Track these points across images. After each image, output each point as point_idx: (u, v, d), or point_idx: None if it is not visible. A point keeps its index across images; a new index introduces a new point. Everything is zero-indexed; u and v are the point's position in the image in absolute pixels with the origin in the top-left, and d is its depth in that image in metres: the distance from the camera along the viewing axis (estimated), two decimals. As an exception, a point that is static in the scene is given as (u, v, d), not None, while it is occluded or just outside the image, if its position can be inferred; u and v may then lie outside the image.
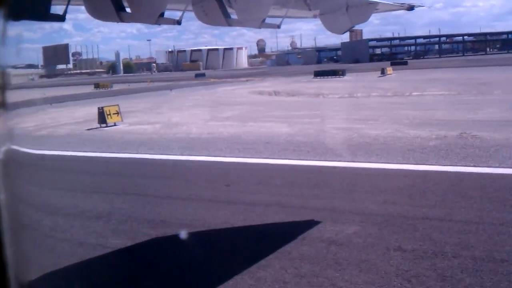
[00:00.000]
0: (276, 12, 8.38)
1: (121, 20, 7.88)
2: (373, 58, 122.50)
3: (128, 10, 7.94)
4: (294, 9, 8.50)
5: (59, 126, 20.99)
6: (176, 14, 8.14)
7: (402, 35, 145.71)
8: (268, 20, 8.21)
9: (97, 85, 58.33)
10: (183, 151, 13.23)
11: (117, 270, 5.65)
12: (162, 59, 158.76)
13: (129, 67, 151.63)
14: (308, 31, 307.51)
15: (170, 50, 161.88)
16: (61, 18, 6.85)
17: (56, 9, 6.75)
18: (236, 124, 18.12)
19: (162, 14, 7.92)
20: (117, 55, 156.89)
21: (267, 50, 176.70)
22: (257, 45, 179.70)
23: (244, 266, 5.27)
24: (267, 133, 15.27)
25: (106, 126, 19.21)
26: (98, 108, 19.59)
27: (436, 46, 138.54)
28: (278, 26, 8.49)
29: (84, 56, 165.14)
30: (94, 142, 15.72)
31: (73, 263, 5.76)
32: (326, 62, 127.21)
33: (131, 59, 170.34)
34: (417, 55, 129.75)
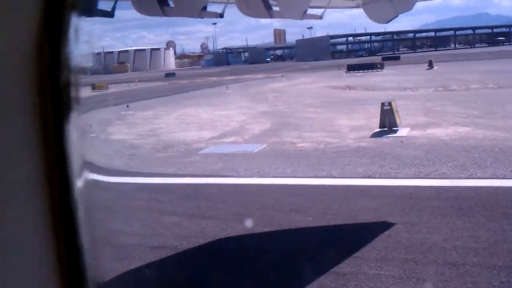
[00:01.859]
0: (318, 3, 8.32)
1: (165, 14, 8.16)
2: (334, 55, 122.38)
3: (171, 4, 8.15)
4: (337, -1, 8.45)
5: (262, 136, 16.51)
6: (218, 8, 8.34)
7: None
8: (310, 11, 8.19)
9: (93, 86, 47.31)
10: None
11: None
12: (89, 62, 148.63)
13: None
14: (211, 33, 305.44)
15: (97, 52, 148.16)
16: (109, 14, 7.08)
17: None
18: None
19: (204, 8, 8.12)
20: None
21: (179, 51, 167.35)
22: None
23: None
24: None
25: (391, 133, 14.75)
26: (383, 103, 15.46)
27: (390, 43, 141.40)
28: (321, 17, 8.42)
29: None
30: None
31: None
32: (273, 60, 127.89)
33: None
34: (372, 52, 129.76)
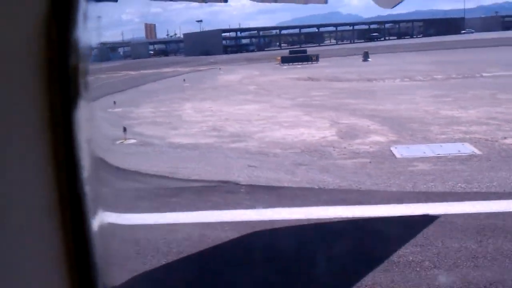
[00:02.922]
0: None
1: None
2: (226, 49, 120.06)
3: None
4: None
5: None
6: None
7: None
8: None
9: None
10: None
11: None
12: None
13: None
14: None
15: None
16: None
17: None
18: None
19: None
20: None
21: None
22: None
23: None
24: None
25: None
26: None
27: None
28: (326, 1, 8.12)
29: None
30: None
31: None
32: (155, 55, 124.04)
33: None
34: (260, 47, 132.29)
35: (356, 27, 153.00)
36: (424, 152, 10.09)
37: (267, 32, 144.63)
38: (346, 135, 12.86)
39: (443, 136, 11.85)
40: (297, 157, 10.78)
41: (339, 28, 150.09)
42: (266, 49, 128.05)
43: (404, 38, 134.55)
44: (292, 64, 51.69)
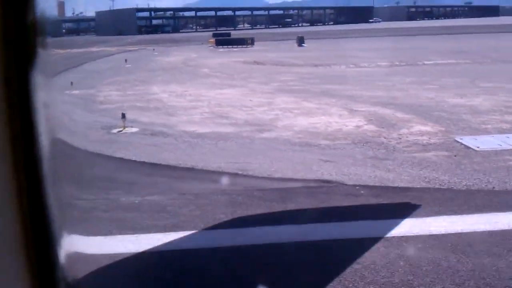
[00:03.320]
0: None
1: None
2: (141, 30, 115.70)
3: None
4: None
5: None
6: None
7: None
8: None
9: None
10: None
11: None
12: None
13: None
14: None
15: None
16: None
17: None
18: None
19: None
20: None
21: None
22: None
23: None
24: None
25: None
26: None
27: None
28: None
29: None
30: None
31: None
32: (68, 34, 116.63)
33: None
34: (176, 29, 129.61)
35: (271, 12, 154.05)
36: (500, 145, 9.51)
37: (182, 14, 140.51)
38: (382, 125, 11.97)
39: (489, 126, 11.43)
40: (359, 149, 9.69)
41: (255, 13, 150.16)
42: (181, 31, 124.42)
43: (317, 25, 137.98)
44: (227, 47, 50.06)
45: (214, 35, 73.08)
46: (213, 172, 7.98)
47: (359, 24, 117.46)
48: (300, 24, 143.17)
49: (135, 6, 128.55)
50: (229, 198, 6.64)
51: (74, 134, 12.03)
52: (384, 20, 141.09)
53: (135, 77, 24.60)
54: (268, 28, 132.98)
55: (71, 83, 19.25)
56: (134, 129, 12.38)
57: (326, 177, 7.61)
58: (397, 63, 31.84)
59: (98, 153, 9.99)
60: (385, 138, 10.58)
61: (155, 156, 9.46)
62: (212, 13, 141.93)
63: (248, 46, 50.96)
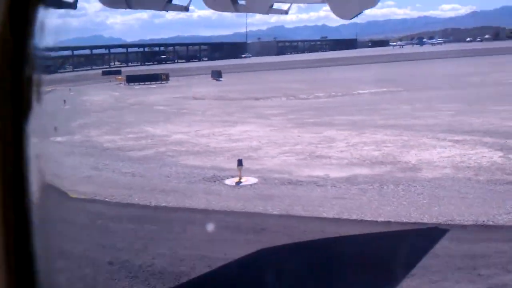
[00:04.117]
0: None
1: (129, 6, 7.54)
2: None
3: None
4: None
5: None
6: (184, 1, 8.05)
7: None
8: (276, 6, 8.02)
9: None
10: None
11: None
12: None
13: None
14: None
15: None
16: (72, 6, 6.28)
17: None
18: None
19: (170, 0, 7.65)
20: None
21: None
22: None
23: None
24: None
25: None
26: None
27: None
28: (286, 12, 8.10)
29: None
30: None
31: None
32: None
33: None
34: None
35: (142, 49, 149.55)
36: None
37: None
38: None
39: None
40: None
41: (129, 50, 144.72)
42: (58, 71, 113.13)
43: (193, 61, 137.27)
44: (143, 84, 47.00)
45: (103, 73, 68.89)
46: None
47: (232, 60, 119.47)
48: (176, 61, 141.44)
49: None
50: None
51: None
52: (253, 55, 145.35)
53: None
54: (144, 65, 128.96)
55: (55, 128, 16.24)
56: (253, 180, 10.59)
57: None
58: (333, 93, 32.77)
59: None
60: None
61: (336, 210, 8.08)
62: (88, 51, 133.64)
63: (163, 82, 48.52)
